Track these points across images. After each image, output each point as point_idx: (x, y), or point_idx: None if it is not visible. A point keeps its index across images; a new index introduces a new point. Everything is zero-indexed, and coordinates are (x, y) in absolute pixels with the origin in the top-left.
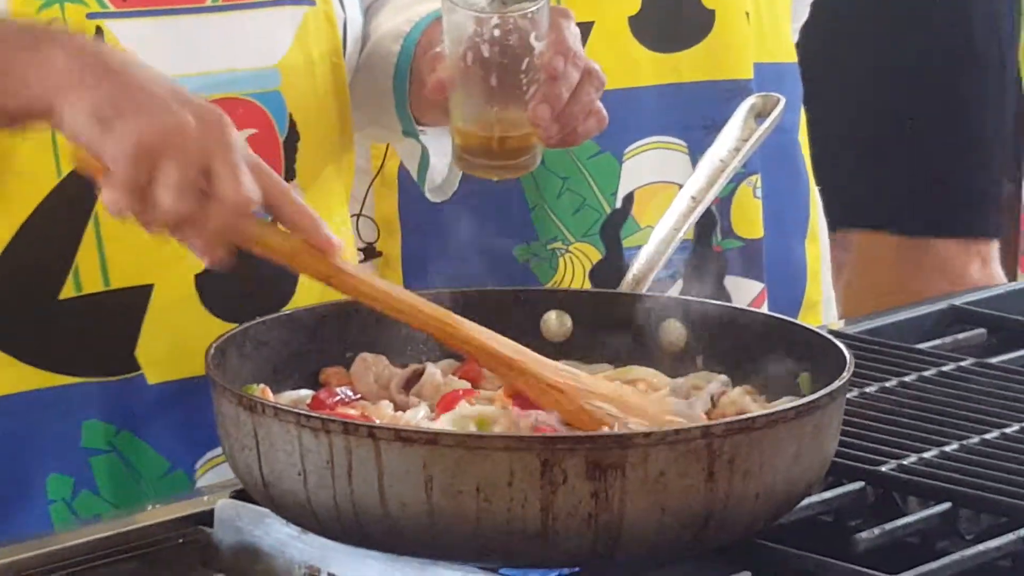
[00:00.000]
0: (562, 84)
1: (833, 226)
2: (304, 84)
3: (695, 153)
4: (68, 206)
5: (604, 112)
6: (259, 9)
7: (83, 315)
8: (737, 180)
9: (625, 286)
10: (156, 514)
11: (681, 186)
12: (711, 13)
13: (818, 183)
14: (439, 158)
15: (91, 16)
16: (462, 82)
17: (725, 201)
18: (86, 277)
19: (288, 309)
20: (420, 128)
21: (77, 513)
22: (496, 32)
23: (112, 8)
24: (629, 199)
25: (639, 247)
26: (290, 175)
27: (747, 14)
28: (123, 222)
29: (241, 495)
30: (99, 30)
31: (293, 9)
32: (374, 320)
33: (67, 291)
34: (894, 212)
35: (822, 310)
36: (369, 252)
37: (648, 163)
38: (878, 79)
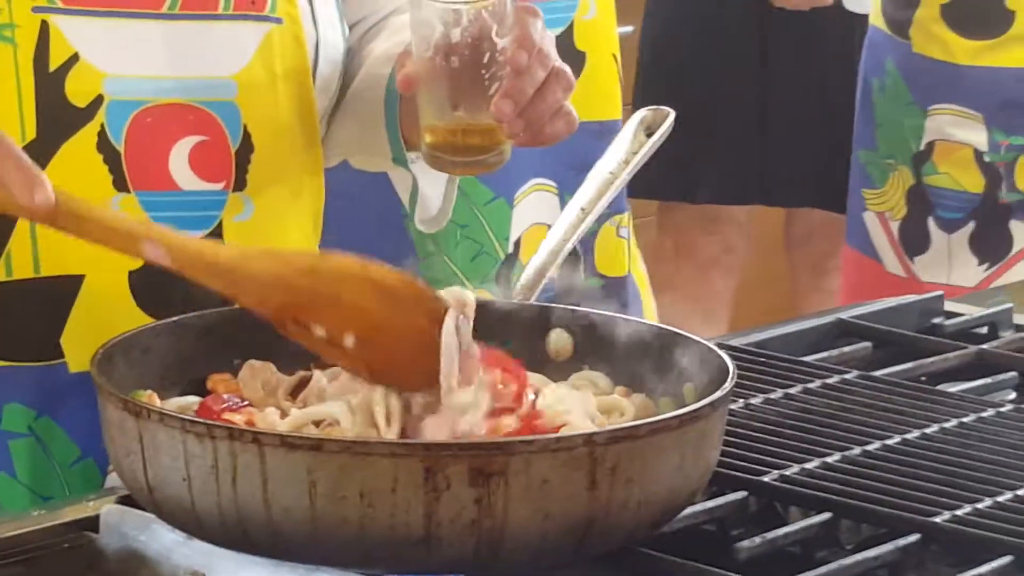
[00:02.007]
0: (526, 80)
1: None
2: (264, 98)
3: (564, 193)
4: None
5: (575, 114)
6: (219, 21)
7: (12, 300)
8: (601, 220)
9: (515, 295)
10: (41, 519)
11: (551, 227)
12: (582, 55)
13: None
14: (431, 187)
15: (36, 10)
16: (427, 78)
17: (588, 240)
18: (17, 263)
19: (176, 317)
20: (411, 156)
21: None
22: (458, 26)
23: (59, 4)
24: (518, 243)
25: None
26: (240, 184)
27: (614, 56)
28: None
29: (127, 501)
30: (45, 24)
31: (256, 24)
32: (262, 327)
33: None
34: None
35: None
36: None
37: (530, 206)
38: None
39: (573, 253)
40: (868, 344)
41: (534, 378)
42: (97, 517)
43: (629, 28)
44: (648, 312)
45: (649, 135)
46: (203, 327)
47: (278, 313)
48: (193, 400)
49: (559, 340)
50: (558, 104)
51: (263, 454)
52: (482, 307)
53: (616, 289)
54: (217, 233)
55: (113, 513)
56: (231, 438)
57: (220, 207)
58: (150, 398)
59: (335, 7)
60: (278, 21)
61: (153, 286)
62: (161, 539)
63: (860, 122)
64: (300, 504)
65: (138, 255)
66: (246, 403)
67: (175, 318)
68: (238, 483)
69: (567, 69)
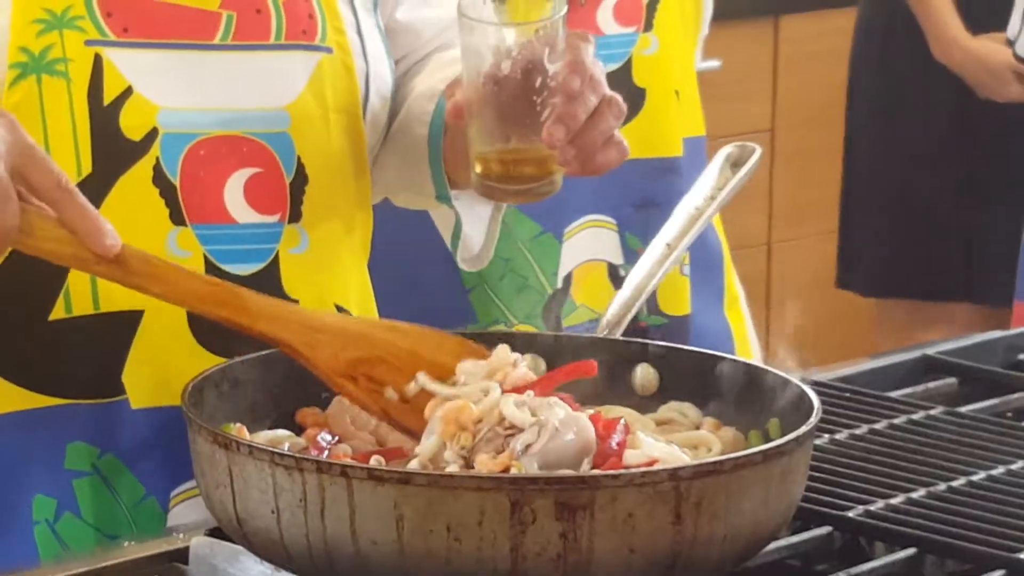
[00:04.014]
0: (578, 105)
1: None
2: (316, 129)
3: (624, 231)
4: None
5: (625, 143)
6: (270, 52)
7: (72, 337)
8: None
9: (599, 331)
10: (132, 551)
11: (611, 264)
12: (642, 92)
13: None
14: (473, 226)
15: (89, 43)
16: (478, 105)
17: None
18: (77, 300)
19: (268, 350)
20: (454, 193)
21: (59, 535)
22: (510, 52)
23: (112, 37)
24: (568, 279)
25: (577, 326)
26: (295, 216)
27: (676, 92)
28: None
29: (216, 533)
30: (98, 58)
31: (307, 54)
32: None
33: (57, 312)
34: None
35: None
36: None
37: (583, 242)
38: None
39: None
40: (954, 380)
41: (623, 412)
42: (187, 549)
43: (715, 63)
44: (743, 352)
45: (735, 170)
46: (293, 361)
47: (349, 367)
48: (284, 434)
49: (645, 375)
50: (610, 131)
51: (351, 487)
52: (568, 342)
53: (679, 329)
54: (274, 265)
55: (203, 545)
56: (319, 471)
57: (276, 239)
58: (239, 431)
59: (382, 42)
60: (328, 51)
61: (212, 321)
62: (250, 571)
63: None
64: (387, 537)
65: (202, 312)
66: (336, 439)
67: (264, 352)
68: (326, 516)
69: (618, 97)
